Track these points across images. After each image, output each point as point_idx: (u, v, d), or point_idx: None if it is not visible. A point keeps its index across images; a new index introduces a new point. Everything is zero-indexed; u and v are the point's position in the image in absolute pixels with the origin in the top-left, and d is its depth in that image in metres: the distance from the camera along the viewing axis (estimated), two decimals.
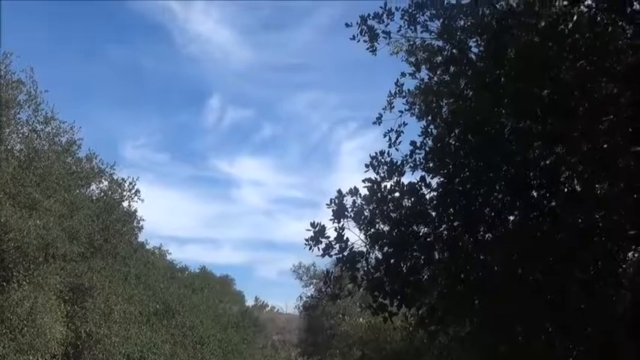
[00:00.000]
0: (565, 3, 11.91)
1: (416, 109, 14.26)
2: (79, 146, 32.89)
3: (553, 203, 12.20)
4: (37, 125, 30.58)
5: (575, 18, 11.74)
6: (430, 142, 13.34)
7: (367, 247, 12.44)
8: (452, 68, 13.07)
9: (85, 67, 59.71)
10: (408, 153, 13.42)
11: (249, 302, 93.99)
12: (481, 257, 12.47)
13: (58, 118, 31.24)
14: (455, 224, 12.52)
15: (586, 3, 12.02)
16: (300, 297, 69.67)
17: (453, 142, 12.70)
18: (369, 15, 13.22)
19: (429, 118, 13.66)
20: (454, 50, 12.90)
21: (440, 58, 13.72)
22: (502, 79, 11.92)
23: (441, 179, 12.53)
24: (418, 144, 13.36)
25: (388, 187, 12.43)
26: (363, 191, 12.43)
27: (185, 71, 67.14)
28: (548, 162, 12.21)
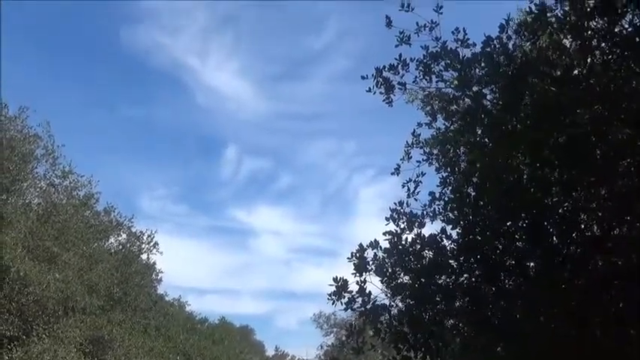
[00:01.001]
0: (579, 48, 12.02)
1: (433, 159, 14.29)
2: (97, 199, 33.26)
3: (573, 249, 12.18)
4: (55, 179, 31.00)
5: (588, 63, 11.83)
6: (449, 193, 13.43)
7: (389, 299, 12.47)
8: (468, 117, 13.12)
9: (100, 120, 60.32)
10: (427, 203, 13.54)
11: (270, 352, 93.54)
12: (503, 305, 12.42)
13: (76, 171, 31.69)
14: (475, 273, 12.52)
15: (600, 46, 12.11)
16: (321, 346, 69.31)
17: (472, 192, 12.75)
18: (384, 67, 13.34)
19: (447, 168, 13.74)
20: (470, 99, 12.96)
21: (455, 107, 13.80)
22: (518, 127, 11.97)
23: (461, 229, 12.54)
24: (437, 194, 13.48)
25: (409, 239, 12.49)
26: (384, 244, 12.51)
27: (201, 122, 67.82)
28: (566, 208, 12.22)
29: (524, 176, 12.19)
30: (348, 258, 12.42)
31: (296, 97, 68.16)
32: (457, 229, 12.65)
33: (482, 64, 12.52)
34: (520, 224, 12.29)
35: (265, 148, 71.87)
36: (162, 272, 38.64)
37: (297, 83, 71.38)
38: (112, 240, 36.01)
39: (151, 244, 36.48)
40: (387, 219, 12.84)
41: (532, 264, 12.65)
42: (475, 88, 12.81)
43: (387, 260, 12.42)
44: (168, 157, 65.42)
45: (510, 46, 13.11)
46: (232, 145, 66.53)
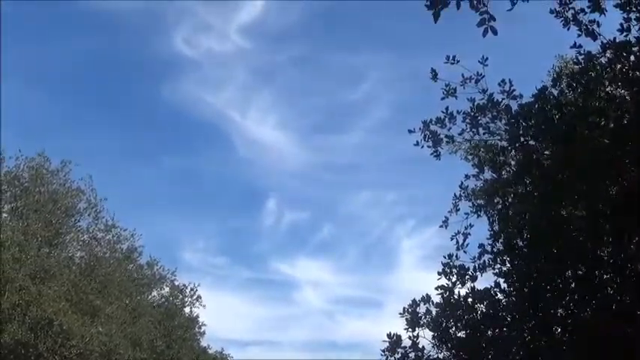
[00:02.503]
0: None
1: (482, 211, 14.20)
2: (140, 253, 33.46)
3: (626, 300, 11.99)
4: (98, 232, 31.27)
5: None
6: (499, 245, 13.32)
7: (442, 353, 12.35)
8: (518, 169, 13.07)
9: (142, 172, 60.72)
10: (477, 255, 13.42)
11: None
12: (556, 358, 12.23)
13: (119, 225, 31.89)
14: (529, 325, 12.36)
15: None
16: None
17: (523, 244, 12.65)
18: (431, 120, 13.37)
19: (497, 219, 13.65)
20: (520, 152, 12.92)
21: (503, 158, 13.74)
22: (571, 178, 11.90)
23: (514, 282, 12.43)
24: (486, 246, 13.37)
25: (462, 293, 12.41)
26: (436, 298, 12.44)
27: (242, 174, 67.75)
28: (620, 259, 12.06)
29: (577, 227, 12.08)
30: (400, 313, 12.39)
31: (336, 148, 68.11)
32: (510, 282, 12.55)
33: (533, 117, 12.47)
34: (573, 275, 12.15)
35: (306, 199, 71.56)
36: (204, 325, 38.56)
37: (337, 134, 71.36)
38: (154, 293, 36.18)
39: (194, 297, 36.71)
40: (438, 273, 12.80)
41: (585, 316, 12.47)
42: (525, 140, 12.79)
43: (439, 314, 12.32)
44: (210, 209, 65.37)
45: (557, 94, 13.12)
46: (273, 197, 66.42)
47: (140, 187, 55.23)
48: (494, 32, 7.45)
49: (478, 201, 14.53)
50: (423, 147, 13.51)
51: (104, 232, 31.34)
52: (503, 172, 13.82)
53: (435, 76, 13.21)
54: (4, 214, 29.85)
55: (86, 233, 31.18)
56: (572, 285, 12.24)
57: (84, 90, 62.42)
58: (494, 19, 7.47)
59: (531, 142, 12.82)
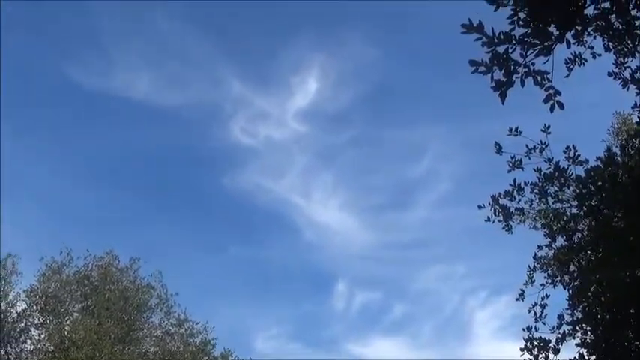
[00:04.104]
0: None
1: (557, 281, 14.00)
2: (213, 345, 33.29)
3: None
4: (171, 327, 31.34)
5: None
6: (577, 313, 13.11)
7: None
8: (590, 235, 12.90)
9: (210, 263, 61.05)
10: (556, 325, 13.22)
11: None
12: None
13: (191, 319, 31.95)
14: None
15: None
16: None
17: (603, 312, 12.42)
18: (499, 194, 13.33)
19: (573, 288, 13.46)
20: (591, 218, 12.78)
21: (574, 225, 13.59)
22: None
23: (597, 352, 12.17)
24: (565, 316, 13.18)
25: None
26: None
27: (310, 258, 67.64)
28: None
29: None
30: None
31: (402, 225, 67.65)
32: (592, 351, 12.30)
33: (601, 182, 12.36)
34: None
35: (375, 279, 70.87)
36: None
37: (402, 211, 70.96)
38: None
39: None
40: (521, 349, 12.64)
41: None
42: (595, 206, 12.65)
43: None
44: (280, 295, 65.02)
45: (621, 155, 13.02)
46: (343, 279, 65.96)
47: (209, 278, 55.49)
48: (561, 107, 7.50)
49: (552, 269, 14.36)
50: (493, 222, 13.46)
51: (177, 326, 31.41)
52: (576, 239, 13.67)
53: (499, 150, 13.19)
54: (76, 314, 30.30)
55: (159, 328, 31.40)
56: None
57: (145, 185, 63.62)
58: (560, 94, 7.50)
59: (602, 208, 12.66)
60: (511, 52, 7.43)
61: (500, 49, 7.37)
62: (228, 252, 63.68)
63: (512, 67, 7.42)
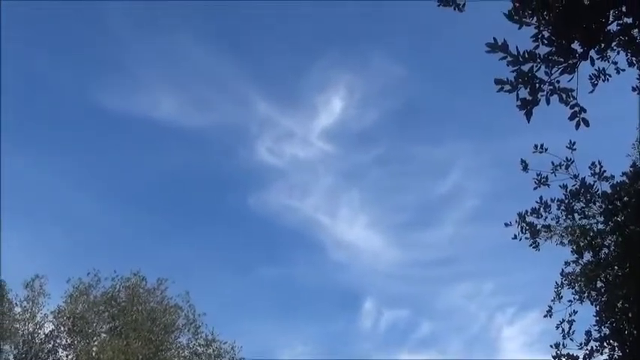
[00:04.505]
0: None
1: (585, 297, 13.96)
2: None
3: None
4: (198, 348, 31.43)
5: None
6: (605, 329, 13.07)
7: None
8: (617, 251, 12.87)
9: (236, 283, 60.98)
10: (583, 342, 13.19)
11: None
12: None
13: (219, 339, 32.00)
14: None
15: None
16: None
17: (631, 328, 12.37)
18: (526, 211, 13.34)
19: (601, 304, 13.42)
20: (617, 234, 12.75)
21: (601, 241, 13.56)
22: None
23: None
24: (593, 332, 13.15)
25: None
26: None
27: (336, 277, 67.29)
28: None
29: None
30: None
31: (428, 243, 67.42)
32: None
33: (627, 197, 12.34)
34: None
35: (402, 296, 70.44)
36: None
37: (428, 229, 70.79)
38: None
39: None
40: None
41: None
42: (622, 221, 12.62)
43: None
44: (308, 314, 64.94)
45: None
46: (370, 297, 65.75)
47: (236, 298, 55.63)
48: (587, 124, 7.52)
49: (580, 285, 14.32)
50: (521, 239, 13.46)
51: (204, 346, 31.50)
52: (603, 255, 13.64)
53: (525, 167, 13.20)
54: (103, 335, 30.46)
55: (186, 349, 31.53)
56: None
57: (172, 205, 64.00)
58: (585, 111, 7.53)
59: (628, 223, 12.63)
60: (536, 71, 7.47)
61: (525, 67, 7.42)
62: (255, 271, 63.80)
63: (537, 85, 7.46)
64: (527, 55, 7.40)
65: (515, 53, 7.39)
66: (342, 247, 67.03)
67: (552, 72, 7.58)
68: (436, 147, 69.65)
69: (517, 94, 7.38)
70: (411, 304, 66.76)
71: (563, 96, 7.59)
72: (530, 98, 7.41)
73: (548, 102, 7.58)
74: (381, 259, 66.26)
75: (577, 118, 7.50)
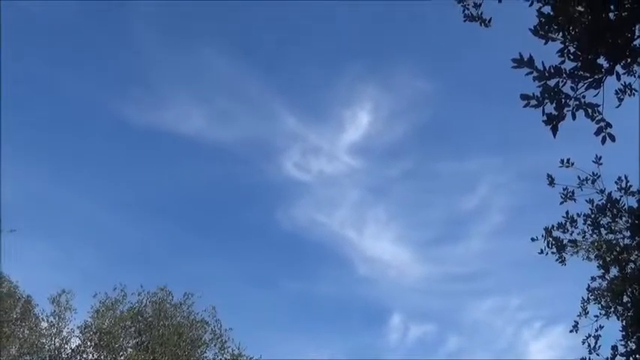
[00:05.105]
0: None
1: (611, 312, 13.94)
2: None
3: None
4: None
5: None
6: (631, 344, 13.04)
7: None
8: None
9: (263, 298, 60.98)
10: (610, 357, 13.19)
11: None
12: None
13: (245, 353, 32.01)
14: None
15: None
16: None
17: None
18: (552, 226, 13.35)
19: (628, 319, 13.39)
20: None
21: (627, 256, 13.54)
22: None
23: None
24: (619, 347, 13.14)
25: None
26: None
27: (363, 292, 67.18)
28: None
29: None
30: None
31: (455, 258, 67.23)
32: None
33: None
34: None
35: (430, 312, 70.15)
36: None
37: (455, 244, 70.59)
38: None
39: None
40: None
41: None
42: None
43: None
44: (334, 329, 64.88)
45: None
46: (397, 312, 65.60)
47: (263, 313, 55.63)
48: (613, 139, 7.55)
49: (606, 300, 14.30)
50: (547, 254, 13.47)
51: None
52: (629, 270, 13.62)
53: (551, 181, 13.23)
54: (130, 349, 30.61)
55: None
56: None
57: (198, 220, 64.28)
58: (611, 126, 7.56)
59: None
60: (562, 86, 7.52)
61: (551, 82, 7.47)
62: (282, 286, 63.90)
63: (563, 100, 7.51)
64: (552, 70, 7.45)
65: (541, 68, 7.45)
66: (368, 261, 66.98)
67: (578, 87, 7.63)
68: (462, 162, 69.51)
69: (543, 109, 7.43)
70: (438, 318, 66.54)
71: (589, 111, 7.63)
72: (556, 113, 7.46)
73: (574, 117, 7.63)
74: (408, 273, 66.11)
75: (603, 134, 7.53)
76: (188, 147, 66.93)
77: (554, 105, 7.47)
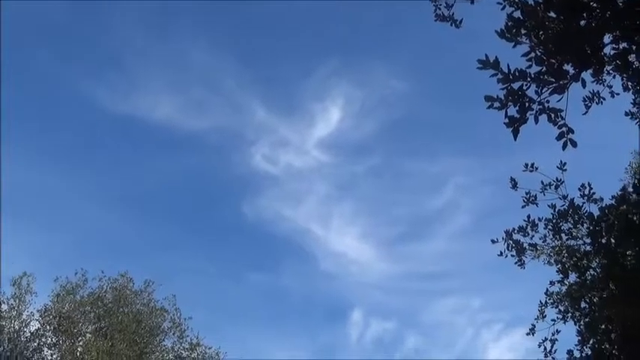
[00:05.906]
0: None
1: (569, 317, 14.06)
2: None
3: None
4: (183, 352, 31.47)
5: None
6: (587, 350, 13.17)
7: None
8: (602, 273, 12.95)
9: (225, 289, 60.68)
10: None
11: None
12: None
13: (204, 343, 32.03)
14: None
15: None
16: None
17: (612, 350, 12.46)
18: (513, 229, 13.40)
19: (583, 324, 13.52)
20: (603, 255, 12.82)
21: (586, 262, 13.63)
22: None
23: None
24: (575, 352, 13.26)
25: None
26: None
27: (326, 287, 67.14)
28: None
29: None
30: None
31: (419, 257, 67.47)
32: None
33: (614, 220, 12.41)
34: None
35: (390, 309, 70.44)
36: None
37: (419, 243, 70.87)
38: None
39: None
40: None
41: None
42: (607, 243, 12.69)
43: None
44: (295, 323, 64.86)
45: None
46: (358, 308, 65.75)
47: (225, 304, 55.48)
48: (574, 145, 7.59)
49: (564, 305, 14.42)
50: (506, 257, 13.52)
51: (189, 350, 31.53)
52: (588, 276, 13.72)
53: (514, 185, 13.29)
54: (89, 335, 30.44)
55: (171, 352, 31.55)
56: None
57: (164, 209, 63.89)
58: (573, 132, 7.61)
59: (615, 246, 12.71)
60: (526, 89, 7.55)
61: (515, 85, 7.50)
62: (245, 278, 63.77)
63: (526, 103, 7.54)
64: (517, 74, 7.48)
65: (507, 71, 7.47)
66: (332, 257, 67.07)
67: (542, 91, 7.66)
68: (431, 161, 69.82)
69: (506, 112, 7.46)
70: (399, 316, 66.81)
71: (552, 116, 7.67)
72: (519, 116, 7.48)
73: (536, 121, 7.66)
74: (371, 270, 66.27)
75: (564, 139, 7.58)
76: (158, 134, 66.51)
77: (517, 108, 7.50)
